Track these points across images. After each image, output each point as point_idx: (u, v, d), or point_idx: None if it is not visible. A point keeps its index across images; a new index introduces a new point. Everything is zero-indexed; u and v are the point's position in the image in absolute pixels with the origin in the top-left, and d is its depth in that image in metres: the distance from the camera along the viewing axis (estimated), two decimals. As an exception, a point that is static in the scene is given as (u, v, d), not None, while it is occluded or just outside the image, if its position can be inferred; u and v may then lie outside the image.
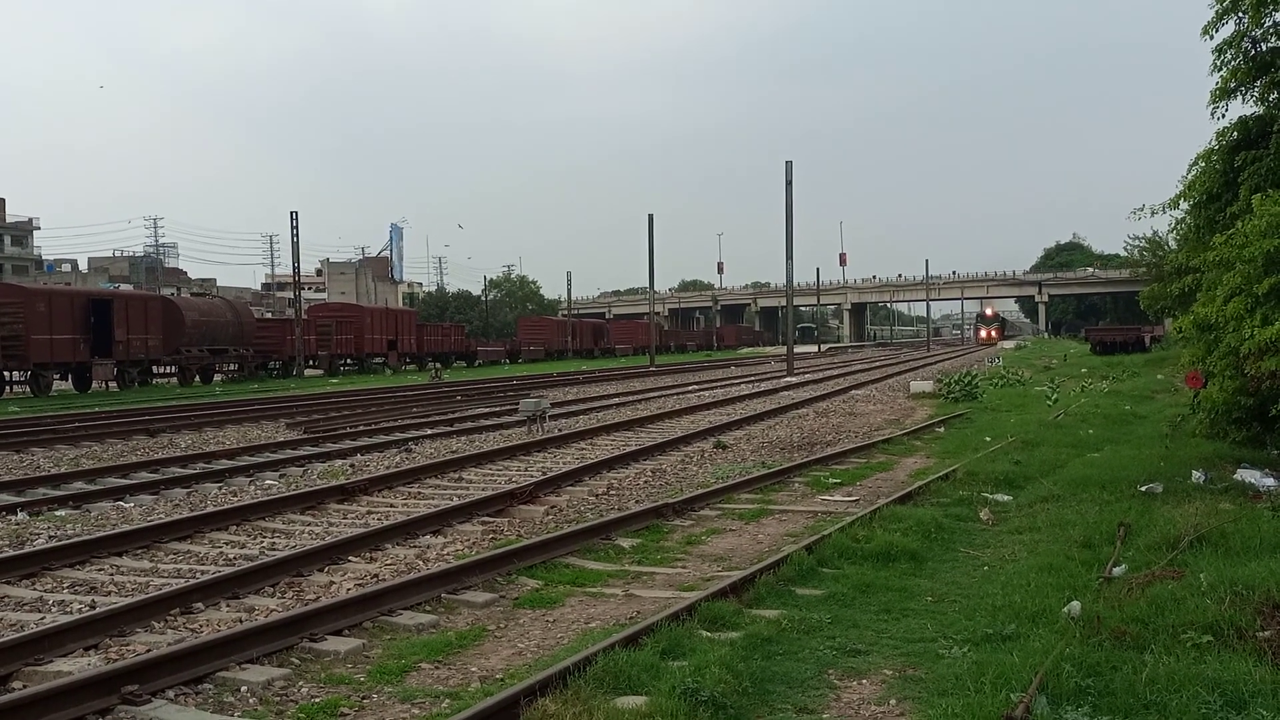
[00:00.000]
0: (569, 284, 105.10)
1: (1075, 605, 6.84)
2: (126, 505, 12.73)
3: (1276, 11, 12.98)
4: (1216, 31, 13.62)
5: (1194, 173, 14.48)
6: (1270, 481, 11.39)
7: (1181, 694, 5.18)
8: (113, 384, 38.64)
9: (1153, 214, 14.96)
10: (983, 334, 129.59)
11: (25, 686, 6.01)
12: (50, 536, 10.70)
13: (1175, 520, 9.21)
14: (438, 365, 53.28)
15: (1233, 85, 13.57)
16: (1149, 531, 9.04)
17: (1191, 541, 8.43)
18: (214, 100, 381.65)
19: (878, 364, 59.38)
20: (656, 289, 72.44)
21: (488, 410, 26.33)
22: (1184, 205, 14.99)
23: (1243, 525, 8.78)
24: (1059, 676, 5.49)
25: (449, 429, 21.46)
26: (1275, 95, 13.40)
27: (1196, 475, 12.08)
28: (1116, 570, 7.91)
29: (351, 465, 16.15)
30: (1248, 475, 11.82)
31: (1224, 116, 14.07)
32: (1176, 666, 5.53)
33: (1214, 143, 14.26)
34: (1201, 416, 15.11)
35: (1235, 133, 13.88)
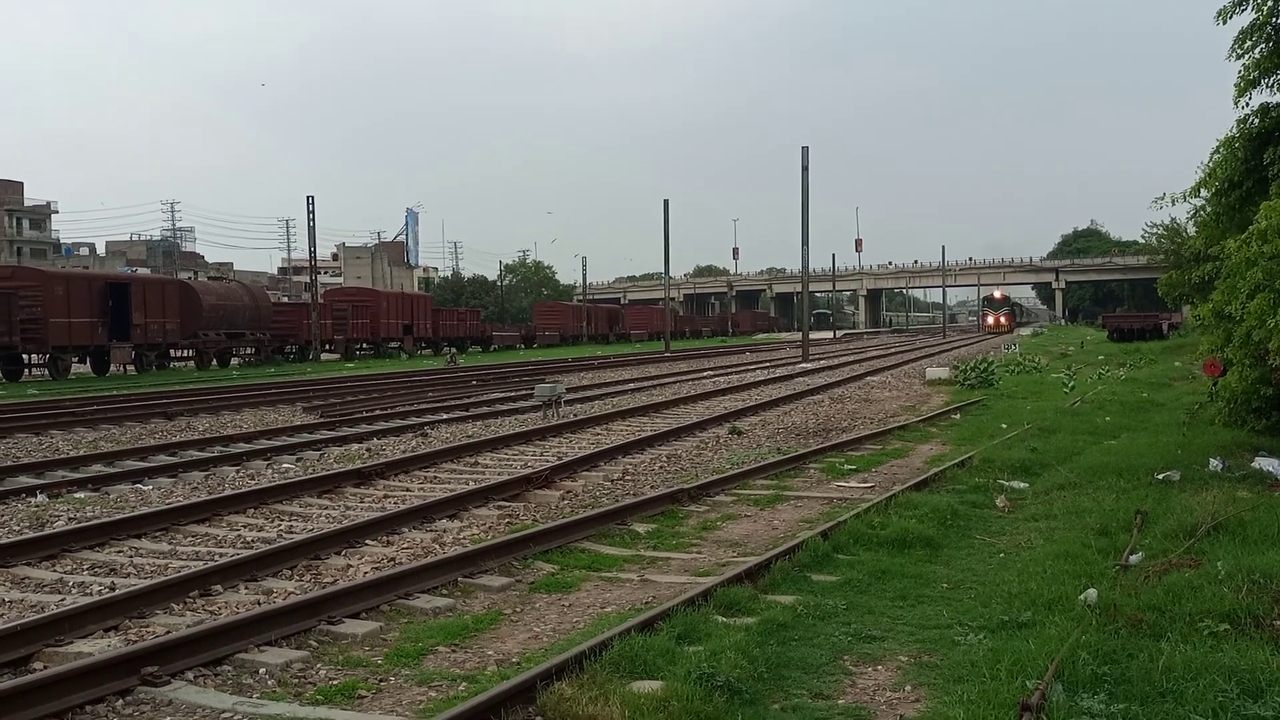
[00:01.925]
0: (584, 269, 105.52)
1: (1092, 593, 6.83)
2: (145, 488, 12.81)
3: None
4: (1231, 18, 13.43)
5: (1215, 160, 14.36)
6: (1288, 470, 11.34)
7: (1198, 682, 5.17)
8: (130, 367, 38.86)
9: (1174, 202, 14.89)
10: (989, 320, 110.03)
11: (46, 667, 6.07)
12: (70, 519, 10.77)
13: (1193, 508, 9.19)
14: (453, 350, 53.34)
15: (1255, 75, 13.41)
16: (1166, 519, 9.01)
17: (1209, 530, 8.40)
18: (230, 86, 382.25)
19: (893, 350, 59.26)
20: (672, 274, 72.32)
21: (503, 395, 26.38)
22: (1204, 193, 14.87)
23: (1261, 514, 8.75)
24: (1075, 664, 5.49)
25: (465, 414, 21.52)
26: None
27: (1214, 463, 12.04)
28: (1133, 558, 7.89)
29: (368, 449, 16.21)
30: (1266, 463, 11.77)
31: (1248, 105, 13.93)
32: (1193, 655, 5.52)
33: (1235, 130, 14.13)
34: (1220, 404, 15.02)
35: (1256, 119, 13.75)
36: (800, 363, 42.55)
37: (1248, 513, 8.81)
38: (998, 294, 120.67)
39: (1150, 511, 9.43)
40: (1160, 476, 11.49)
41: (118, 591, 7.52)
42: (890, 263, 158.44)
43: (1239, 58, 13.51)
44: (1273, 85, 13.54)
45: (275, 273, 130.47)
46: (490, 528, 10.29)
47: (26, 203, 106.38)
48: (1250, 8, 13.17)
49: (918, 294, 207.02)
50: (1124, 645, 5.81)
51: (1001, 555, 8.82)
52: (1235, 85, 13.62)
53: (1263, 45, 13.28)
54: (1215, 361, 14.44)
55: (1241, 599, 6.37)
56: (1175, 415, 18.46)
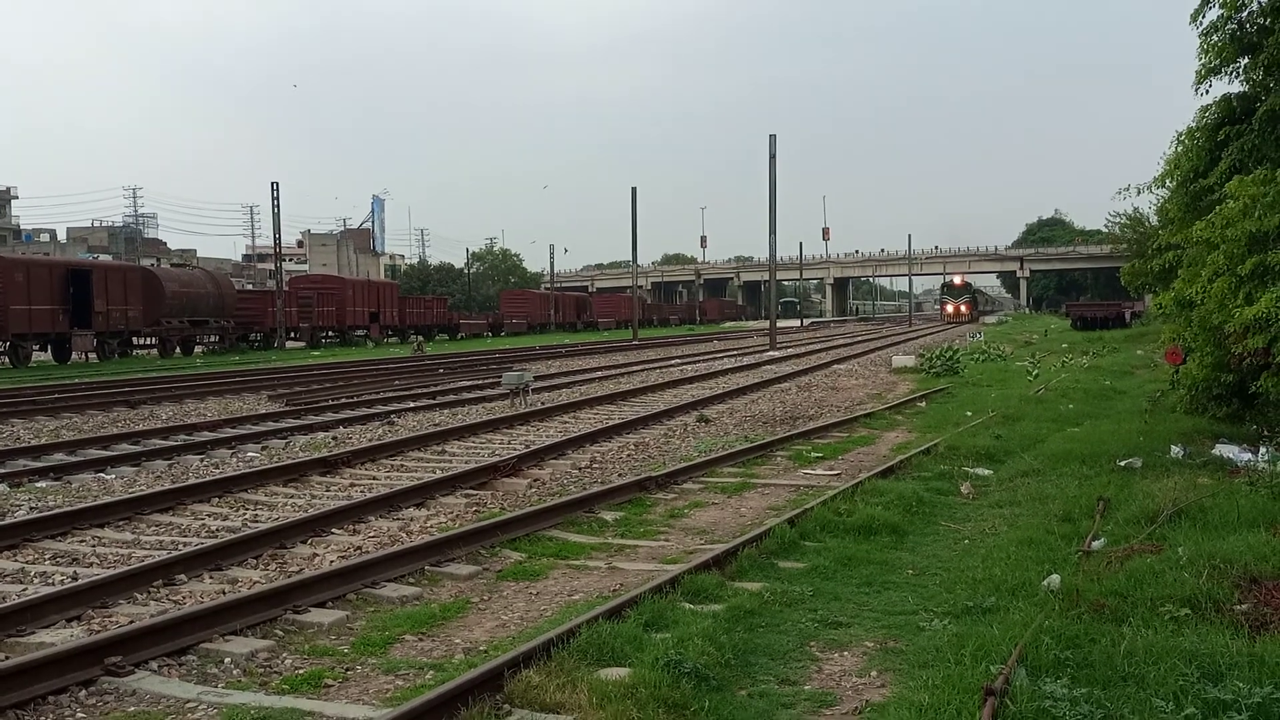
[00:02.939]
0: (552, 257, 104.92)
1: (1055, 578, 6.90)
2: (108, 477, 12.68)
3: None
4: (1204, 18, 13.60)
5: (1177, 150, 14.49)
6: (1248, 456, 11.50)
7: (1159, 666, 5.23)
8: (92, 355, 38.43)
9: (1139, 193, 14.98)
10: (949, 309, 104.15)
11: (8, 658, 6.00)
12: (31, 508, 10.65)
13: (1154, 494, 9.28)
14: (420, 338, 53.07)
15: (1216, 64, 13.56)
16: (1128, 506, 9.11)
17: (1170, 516, 8.49)
18: (195, 74, 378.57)
19: (860, 338, 59.55)
20: (639, 263, 72.22)
21: (470, 383, 26.30)
22: (1169, 183, 15.00)
23: (1221, 500, 8.86)
24: (1038, 649, 5.54)
25: (431, 402, 21.43)
26: (1259, 75, 13.41)
27: (1175, 450, 12.19)
28: (1096, 544, 7.98)
29: (334, 437, 16.11)
30: (1226, 450, 11.93)
31: (1208, 94, 14.07)
32: (1154, 639, 5.58)
33: (1196, 120, 14.27)
34: (1181, 392, 15.24)
35: (1218, 110, 13.89)
36: (768, 350, 42.66)
37: (1208, 499, 8.92)
38: (958, 281, 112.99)
39: (1112, 498, 9.54)
40: (1122, 463, 11.62)
41: (80, 581, 7.44)
42: (857, 251, 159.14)
43: (1205, 54, 13.67)
44: (1232, 76, 13.67)
45: (240, 260, 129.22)
46: (458, 516, 10.26)
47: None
48: (1216, 4, 13.33)
49: (884, 282, 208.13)
50: (1086, 630, 5.86)
51: (966, 542, 8.90)
52: (1196, 72, 13.76)
53: (1225, 39, 13.42)
54: (1177, 350, 14.65)
55: (1202, 584, 6.45)
56: (1137, 403, 18.67)
